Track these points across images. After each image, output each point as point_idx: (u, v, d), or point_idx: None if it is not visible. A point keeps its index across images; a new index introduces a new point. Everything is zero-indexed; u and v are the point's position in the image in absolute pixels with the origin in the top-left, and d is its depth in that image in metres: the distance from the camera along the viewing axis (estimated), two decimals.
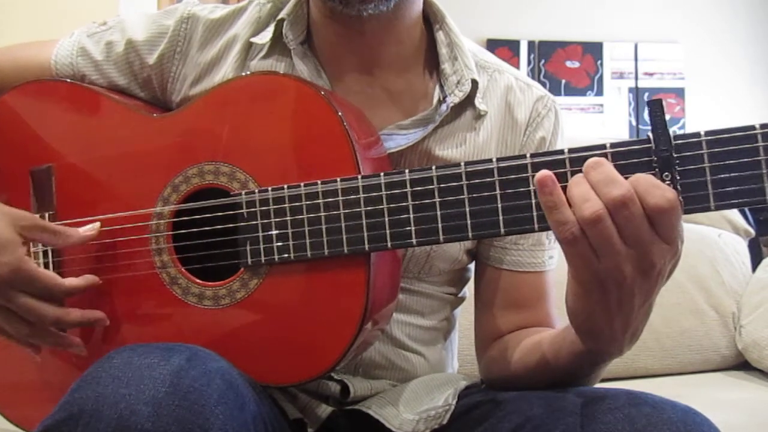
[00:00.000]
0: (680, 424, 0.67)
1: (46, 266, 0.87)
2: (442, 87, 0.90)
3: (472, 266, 1.01)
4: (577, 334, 0.73)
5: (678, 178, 0.64)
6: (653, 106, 0.65)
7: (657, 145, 0.65)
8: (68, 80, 0.94)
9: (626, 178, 0.63)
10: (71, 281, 0.82)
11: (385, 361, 0.92)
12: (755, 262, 1.88)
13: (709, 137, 0.64)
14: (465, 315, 1.06)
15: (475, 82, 0.89)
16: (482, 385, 0.97)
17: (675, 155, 0.64)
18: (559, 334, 0.81)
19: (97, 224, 0.84)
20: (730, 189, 0.64)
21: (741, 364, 1.74)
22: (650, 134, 0.65)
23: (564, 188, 0.65)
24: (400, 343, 0.93)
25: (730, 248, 1.84)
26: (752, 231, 1.92)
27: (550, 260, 0.94)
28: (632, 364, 1.66)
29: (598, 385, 0.84)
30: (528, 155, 0.69)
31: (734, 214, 1.89)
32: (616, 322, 0.68)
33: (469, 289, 1.03)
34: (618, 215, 0.62)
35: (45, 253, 0.87)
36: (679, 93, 3.42)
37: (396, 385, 0.92)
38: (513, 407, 0.80)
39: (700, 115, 3.40)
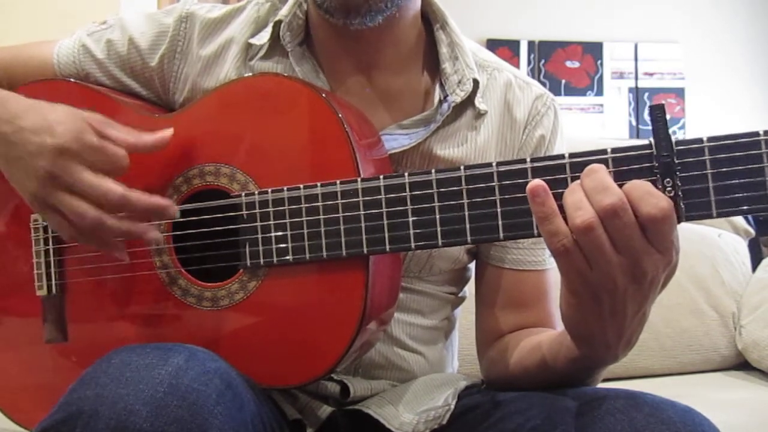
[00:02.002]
0: (680, 424, 0.66)
1: (48, 265, 0.87)
2: (443, 86, 0.90)
3: (472, 266, 1.01)
4: (572, 340, 0.74)
5: (679, 184, 0.63)
6: (655, 111, 0.63)
7: (658, 151, 0.63)
8: (72, 80, 0.94)
9: (625, 184, 0.63)
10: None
11: (384, 361, 0.92)
12: (755, 262, 1.88)
13: (712, 143, 0.63)
14: (465, 315, 1.06)
15: (476, 82, 0.89)
16: (482, 385, 0.97)
17: (677, 161, 0.63)
18: (557, 338, 0.81)
19: (170, 130, 0.80)
20: (732, 196, 0.62)
21: (741, 364, 1.74)
22: (652, 140, 0.64)
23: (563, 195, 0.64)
24: (401, 342, 0.94)
25: (730, 248, 1.84)
26: (752, 231, 1.92)
27: (550, 258, 0.93)
28: (632, 364, 1.66)
29: (598, 385, 0.84)
30: (528, 160, 0.68)
31: None
32: (610, 330, 0.68)
33: (469, 289, 1.03)
34: (609, 224, 0.61)
35: (47, 252, 0.87)
36: (679, 93, 3.42)
37: (396, 385, 0.92)
38: (513, 408, 0.80)
39: (700, 115, 3.41)
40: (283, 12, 0.91)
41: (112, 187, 0.74)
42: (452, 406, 0.86)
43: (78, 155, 0.74)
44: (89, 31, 0.97)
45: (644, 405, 0.69)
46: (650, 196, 0.61)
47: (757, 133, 0.62)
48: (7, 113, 0.77)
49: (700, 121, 3.38)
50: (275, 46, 0.91)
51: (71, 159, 0.74)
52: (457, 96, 0.89)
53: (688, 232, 1.76)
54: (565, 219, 0.63)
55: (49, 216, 0.77)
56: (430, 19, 0.94)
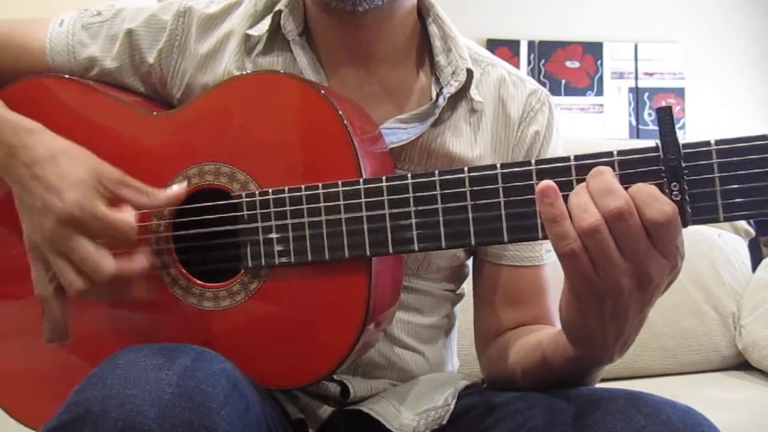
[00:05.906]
0: (680, 424, 0.66)
1: None
2: (438, 80, 0.90)
3: (470, 262, 1.01)
4: (569, 340, 0.73)
5: (686, 188, 0.62)
6: (662, 113, 0.62)
7: (665, 154, 0.63)
8: (66, 76, 0.92)
9: (630, 187, 0.62)
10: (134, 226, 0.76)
11: (384, 360, 0.92)
12: (755, 262, 1.88)
13: (720, 147, 0.62)
14: (465, 314, 1.07)
15: (470, 72, 0.89)
16: (483, 384, 0.98)
17: (684, 165, 0.62)
18: (554, 337, 0.80)
19: (185, 183, 0.81)
20: (739, 200, 0.61)
21: (741, 364, 1.74)
22: (658, 142, 0.63)
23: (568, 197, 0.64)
24: (400, 341, 0.94)
25: (730, 248, 1.84)
26: (752, 231, 1.92)
27: (547, 254, 0.94)
28: (632, 364, 1.66)
29: (597, 385, 0.84)
30: (533, 161, 0.68)
31: None
32: (609, 332, 0.68)
33: (468, 289, 1.03)
34: (615, 227, 0.61)
35: None
36: (679, 93, 3.42)
37: (396, 384, 0.92)
38: (513, 408, 0.80)
39: (701, 116, 3.40)
40: (282, 2, 0.91)
41: (104, 265, 0.75)
42: (452, 406, 0.87)
43: (80, 225, 0.75)
44: (84, 23, 0.95)
45: (644, 405, 0.69)
46: (655, 201, 0.61)
47: (765, 137, 0.61)
48: (29, 157, 0.78)
49: (700, 122, 3.38)
50: (274, 37, 0.91)
51: (73, 227, 0.75)
52: (452, 87, 0.89)
53: (688, 232, 1.73)
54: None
55: (36, 266, 0.79)
56: (423, 14, 0.94)
